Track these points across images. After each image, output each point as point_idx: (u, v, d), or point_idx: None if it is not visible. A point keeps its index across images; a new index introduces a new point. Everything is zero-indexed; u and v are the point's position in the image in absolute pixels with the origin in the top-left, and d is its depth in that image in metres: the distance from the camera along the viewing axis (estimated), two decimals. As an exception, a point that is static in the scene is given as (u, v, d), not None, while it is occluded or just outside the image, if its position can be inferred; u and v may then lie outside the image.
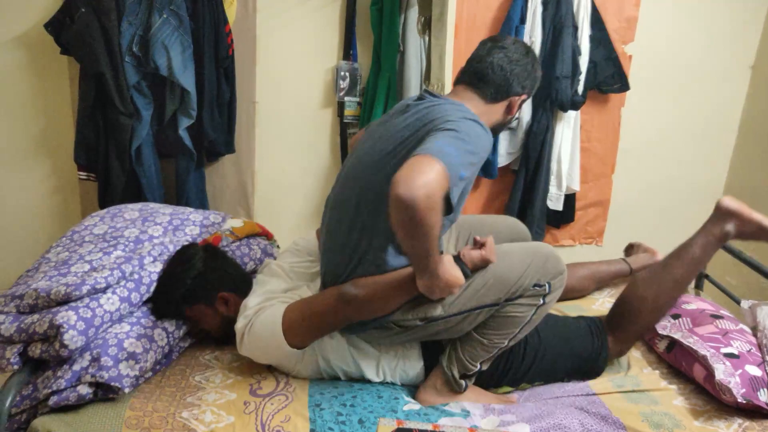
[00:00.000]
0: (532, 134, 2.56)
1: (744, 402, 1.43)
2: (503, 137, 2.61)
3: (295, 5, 2.45)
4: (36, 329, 1.37)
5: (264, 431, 1.33)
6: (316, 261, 1.72)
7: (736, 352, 1.56)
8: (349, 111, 2.58)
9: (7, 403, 1.31)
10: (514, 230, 1.85)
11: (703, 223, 1.79)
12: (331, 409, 1.41)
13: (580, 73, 2.49)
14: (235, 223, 1.96)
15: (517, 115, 1.61)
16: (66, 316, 1.35)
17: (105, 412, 1.34)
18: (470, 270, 1.44)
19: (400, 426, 1.09)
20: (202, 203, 2.47)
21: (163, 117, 2.32)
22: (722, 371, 1.49)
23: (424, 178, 1.15)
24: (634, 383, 1.62)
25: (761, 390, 1.45)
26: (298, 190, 2.69)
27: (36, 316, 1.40)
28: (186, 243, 1.72)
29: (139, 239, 1.75)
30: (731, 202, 1.73)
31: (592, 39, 2.52)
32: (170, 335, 1.56)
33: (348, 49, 2.51)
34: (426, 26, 2.45)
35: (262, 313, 1.47)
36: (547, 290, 1.45)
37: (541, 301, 1.46)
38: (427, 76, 2.52)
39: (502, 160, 2.64)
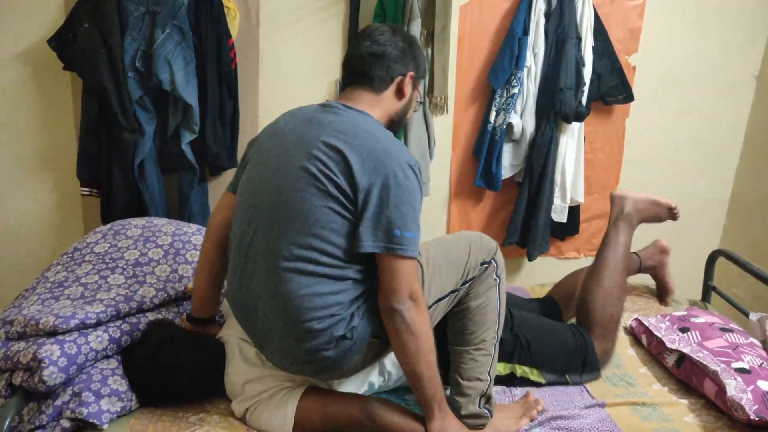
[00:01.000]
0: (536, 146, 2.55)
1: (756, 419, 1.41)
2: (507, 149, 2.60)
3: (299, 19, 2.45)
4: (20, 359, 1.34)
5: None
6: None
7: (747, 367, 1.53)
8: (352, 124, 2.57)
9: (6, 423, 1.29)
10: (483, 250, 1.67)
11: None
12: None
13: (584, 85, 2.49)
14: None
15: (419, 99, 1.55)
16: (50, 350, 1.32)
17: (107, 433, 1.32)
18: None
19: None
20: (205, 218, 2.45)
21: (166, 132, 2.31)
22: (734, 387, 1.47)
23: (404, 283, 1.27)
24: (644, 397, 1.59)
25: None
26: (302, 203, 2.67)
27: (23, 344, 1.37)
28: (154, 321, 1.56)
29: (138, 262, 1.74)
30: (618, 191, 2.00)
31: (596, 50, 2.51)
32: None
33: (351, 63, 2.50)
34: (429, 39, 2.45)
35: (269, 404, 1.39)
36: (495, 266, 1.52)
37: (497, 278, 1.52)
38: (430, 89, 2.51)
39: (506, 172, 2.63)
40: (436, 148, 2.56)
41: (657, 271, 2.15)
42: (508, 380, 1.68)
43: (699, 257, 2.63)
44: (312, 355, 1.31)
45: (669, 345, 1.71)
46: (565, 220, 2.68)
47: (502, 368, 1.66)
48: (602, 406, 1.55)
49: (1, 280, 2.54)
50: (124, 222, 1.94)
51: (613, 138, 2.77)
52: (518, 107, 2.53)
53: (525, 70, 2.48)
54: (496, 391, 1.64)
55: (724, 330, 1.74)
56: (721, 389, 1.50)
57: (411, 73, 1.45)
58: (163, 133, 2.32)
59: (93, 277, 1.67)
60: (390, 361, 1.55)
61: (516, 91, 2.48)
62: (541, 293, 2.21)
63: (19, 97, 2.37)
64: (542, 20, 2.45)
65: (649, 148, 2.83)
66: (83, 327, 1.41)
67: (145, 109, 2.26)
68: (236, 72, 2.37)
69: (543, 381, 1.67)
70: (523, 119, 2.54)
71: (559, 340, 1.71)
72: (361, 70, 1.43)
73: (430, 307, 1.42)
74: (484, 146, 2.56)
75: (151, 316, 1.57)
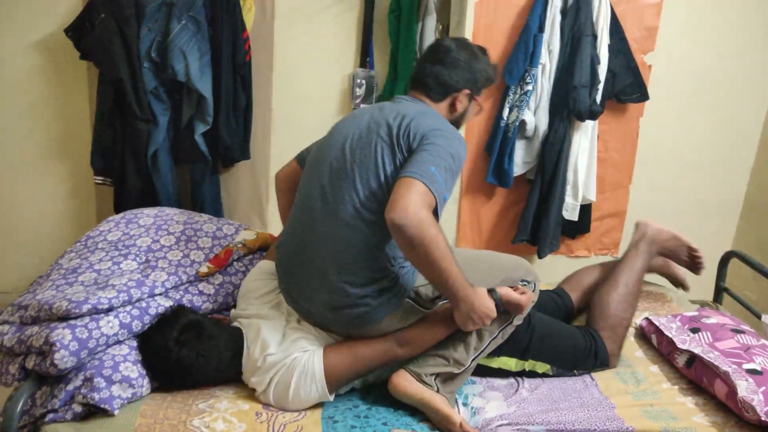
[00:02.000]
0: (549, 144, 2.54)
1: (767, 420, 1.40)
2: (519, 146, 2.58)
3: (313, 13, 2.46)
4: (33, 342, 1.36)
5: (276, 441, 1.32)
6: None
7: (759, 368, 1.52)
8: (365, 118, 2.57)
9: (20, 406, 1.31)
10: (527, 272, 1.73)
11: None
12: (344, 422, 1.39)
13: (599, 83, 2.47)
14: (248, 235, 1.95)
15: (479, 109, 1.69)
16: (61, 334, 1.34)
17: (116, 419, 1.34)
18: (501, 303, 1.48)
19: (415, 439, 1.07)
20: (216, 209, 2.47)
21: (180, 123, 2.33)
22: (745, 388, 1.46)
23: (409, 199, 1.28)
24: (654, 396, 1.59)
25: None
26: (313, 197, 2.68)
27: (36, 329, 1.39)
28: (172, 307, 1.57)
29: (150, 249, 1.75)
30: (644, 219, 2.07)
31: (612, 48, 2.49)
32: None
33: (365, 57, 2.50)
34: (444, 34, 2.45)
35: (295, 366, 1.42)
36: (533, 288, 1.63)
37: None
38: (443, 84, 2.50)
39: (518, 169, 2.61)
40: (448, 143, 2.56)
41: (664, 270, 2.13)
42: (517, 375, 1.69)
43: (711, 258, 2.60)
44: (356, 301, 1.44)
45: (680, 345, 1.70)
46: (576, 219, 2.67)
47: (513, 364, 1.67)
48: (612, 407, 1.54)
49: (16, 266, 2.57)
50: (136, 211, 1.96)
51: (627, 137, 2.75)
52: (532, 104, 2.52)
53: (539, 67, 2.47)
54: (505, 385, 1.64)
55: (736, 331, 1.72)
56: (732, 390, 1.49)
57: (466, 91, 1.60)
58: (176, 123, 2.33)
59: (106, 263, 1.68)
60: None
61: (530, 88, 2.46)
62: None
63: (35, 86, 2.40)
64: (558, 17, 2.44)
65: (663, 148, 2.80)
66: (95, 312, 1.42)
67: (159, 100, 2.27)
68: (250, 64, 2.38)
69: (550, 372, 1.70)
70: (536, 116, 2.53)
71: (572, 343, 1.73)
72: (422, 81, 1.61)
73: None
74: (496, 143, 2.55)
75: (161, 300, 1.58)
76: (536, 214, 2.63)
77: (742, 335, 1.70)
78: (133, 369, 1.40)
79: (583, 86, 2.42)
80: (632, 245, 2.00)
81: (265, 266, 1.73)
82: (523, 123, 2.51)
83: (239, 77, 2.36)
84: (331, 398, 1.46)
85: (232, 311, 1.66)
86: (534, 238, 2.67)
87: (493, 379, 1.68)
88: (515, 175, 2.60)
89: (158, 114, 2.27)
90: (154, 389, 1.46)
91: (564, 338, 1.74)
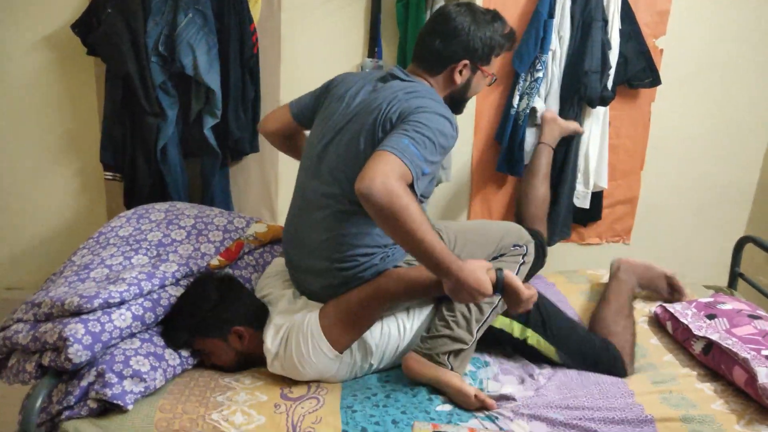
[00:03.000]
0: (560, 131, 2.52)
1: None
2: (530, 134, 2.56)
3: (320, 3, 2.43)
4: (47, 339, 1.37)
5: (295, 433, 1.32)
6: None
7: (778, 354, 1.51)
8: (374, 109, 2.55)
9: (38, 403, 1.31)
10: (518, 236, 1.75)
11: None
12: (363, 411, 1.39)
13: (610, 68, 2.44)
14: (259, 228, 1.95)
15: (490, 77, 1.60)
16: (74, 328, 1.35)
17: (135, 414, 1.34)
18: (502, 285, 1.39)
19: (436, 429, 1.07)
20: (226, 203, 2.46)
21: (189, 116, 2.32)
22: (765, 375, 1.44)
23: (377, 169, 1.23)
24: (672, 383, 1.58)
25: None
26: (323, 189, 2.67)
27: (49, 325, 1.40)
28: (203, 272, 1.69)
29: (161, 243, 1.75)
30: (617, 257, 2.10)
31: (623, 33, 2.46)
32: (183, 358, 1.54)
33: (373, 47, 2.48)
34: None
35: (296, 325, 1.46)
36: (525, 251, 1.67)
37: (522, 260, 1.67)
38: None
39: (529, 157, 2.59)
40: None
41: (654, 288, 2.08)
42: (521, 346, 1.67)
43: (724, 244, 2.59)
44: (348, 280, 1.49)
45: (696, 332, 1.69)
46: (587, 206, 2.65)
47: (516, 329, 1.66)
48: (631, 394, 1.53)
49: (28, 263, 2.57)
50: (147, 206, 1.96)
51: (639, 123, 2.72)
52: (542, 91, 2.50)
53: (550, 53, 2.44)
54: (520, 370, 1.64)
55: (753, 317, 1.71)
56: (752, 377, 1.47)
57: (465, 62, 1.52)
58: (185, 117, 2.32)
59: (117, 258, 1.69)
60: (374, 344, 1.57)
61: (540, 74, 2.44)
62: (560, 281, 2.19)
63: (43, 82, 2.39)
64: (568, 2, 2.40)
65: (675, 133, 2.77)
66: (107, 306, 1.43)
67: (168, 94, 2.26)
68: (258, 57, 2.36)
69: (558, 360, 1.66)
70: (547, 103, 2.51)
71: (581, 334, 1.71)
72: (419, 54, 1.56)
73: None
74: (506, 131, 2.53)
75: (172, 291, 1.59)
76: (548, 202, 2.61)
77: (759, 321, 1.69)
78: (144, 362, 1.41)
79: (594, 72, 2.40)
80: (611, 277, 2.02)
81: (282, 262, 1.75)
82: (533, 110, 2.49)
83: (247, 70, 2.34)
84: (335, 354, 1.45)
85: None
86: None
87: (507, 362, 1.68)
88: (526, 163, 2.58)
89: (167, 108, 2.26)
90: (170, 382, 1.46)
91: (572, 326, 1.71)
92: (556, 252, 2.79)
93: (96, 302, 1.41)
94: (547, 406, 1.47)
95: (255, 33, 2.32)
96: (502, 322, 1.66)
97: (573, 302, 2.03)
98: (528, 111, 2.48)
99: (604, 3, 2.40)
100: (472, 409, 1.46)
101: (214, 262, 1.76)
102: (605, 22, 2.41)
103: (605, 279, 2.12)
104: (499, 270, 1.39)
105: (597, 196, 2.69)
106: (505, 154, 2.56)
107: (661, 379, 1.61)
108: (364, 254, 1.49)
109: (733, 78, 2.74)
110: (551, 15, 2.40)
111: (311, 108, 1.70)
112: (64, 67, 2.38)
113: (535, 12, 2.41)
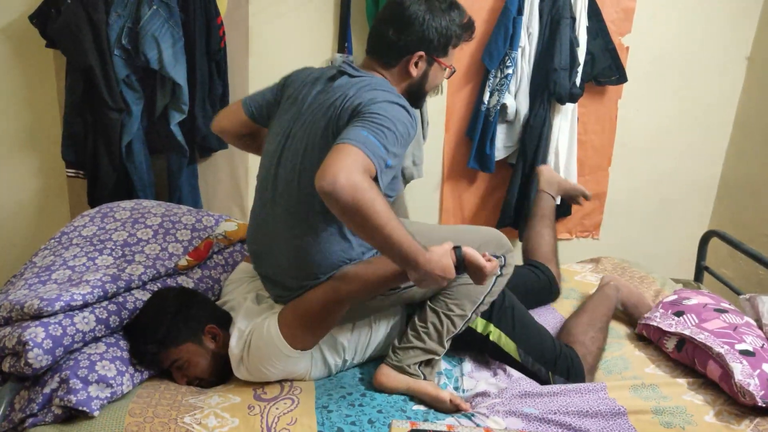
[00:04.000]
0: (530, 127, 2.54)
1: (764, 405, 1.41)
2: (500, 130, 2.58)
3: (289, -4, 2.40)
4: (6, 343, 1.31)
5: (270, 435, 1.29)
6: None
7: (751, 349, 1.54)
8: (344, 105, 2.53)
9: (1, 410, 1.26)
10: (497, 245, 1.65)
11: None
12: (339, 411, 1.37)
13: (578, 65, 2.47)
14: (229, 226, 1.91)
15: (447, 69, 1.51)
16: (34, 332, 1.29)
17: (104, 418, 1.29)
18: (463, 263, 1.34)
19: (414, 427, 1.06)
20: (194, 200, 2.41)
21: (154, 112, 2.25)
22: (740, 371, 1.46)
23: (340, 164, 1.15)
24: (643, 378, 1.60)
25: None
26: (293, 185, 2.63)
27: (8, 329, 1.34)
28: (160, 288, 1.63)
29: (127, 243, 1.70)
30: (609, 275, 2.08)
31: (590, 30, 2.50)
32: None
33: (343, 42, 2.46)
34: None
35: (257, 329, 1.43)
36: (503, 262, 1.56)
37: (499, 272, 1.55)
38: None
39: (500, 153, 2.61)
40: (429, 129, 2.53)
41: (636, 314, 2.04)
42: (483, 344, 1.65)
43: (688, 238, 2.65)
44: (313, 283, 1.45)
45: (667, 329, 1.70)
46: (558, 202, 2.67)
47: (480, 325, 1.62)
48: (603, 388, 1.54)
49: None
50: (112, 205, 1.90)
51: (606, 119, 2.77)
52: (512, 88, 2.51)
53: (519, 50, 2.46)
54: (494, 366, 1.64)
55: (719, 311, 1.74)
56: (726, 372, 1.49)
57: (420, 53, 1.44)
58: (150, 113, 2.26)
59: (81, 259, 1.63)
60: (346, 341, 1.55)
61: (510, 71, 2.45)
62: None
63: (-1, 75, 2.30)
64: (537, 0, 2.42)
65: (641, 129, 2.83)
66: (69, 309, 1.37)
67: (132, 89, 2.19)
68: (225, 51, 2.32)
69: (519, 359, 1.63)
70: (517, 100, 2.52)
71: (541, 332, 1.69)
72: (373, 45, 1.48)
73: None
74: (477, 127, 2.54)
75: (138, 294, 1.54)
76: (519, 198, 2.63)
77: (726, 314, 1.72)
78: (110, 367, 1.35)
79: (563, 69, 2.42)
80: (597, 289, 1.98)
81: (246, 267, 1.70)
82: (504, 107, 2.50)
83: (214, 64, 2.29)
84: (297, 353, 1.42)
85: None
86: (517, 222, 2.67)
87: (480, 357, 1.68)
88: (497, 159, 2.59)
89: (131, 103, 2.19)
90: (139, 386, 1.42)
91: (534, 325, 1.69)
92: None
93: (57, 305, 1.35)
94: (521, 401, 1.48)
95: (222, 26, 2.27)
96: None
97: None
98: (498, 107, 2.49)
99: (572, 0, 2.42)
100: (449, 413, 1.45)
101: (183, 262, 1.72)
102: (573, 19, 2.44)
103: (577, 275, 2.14)
104: (457, 248, 1.33)
105: (566, 192, 2.72)
106: (476, 150, 2.57)
107: (633, 374, 1.63)
108: (327, 272, 1.43)
109: (696, 75, 2.80)
110: (520, 12, 2.42)
111: (267, 106, 1.60)
112: (23, 60, 2.29)
113: (504, 9, 2.43)
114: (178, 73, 2.17)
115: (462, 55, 2.56)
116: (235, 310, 1.58)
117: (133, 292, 1.54)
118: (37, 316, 1.34)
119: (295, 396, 1.41)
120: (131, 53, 2.14)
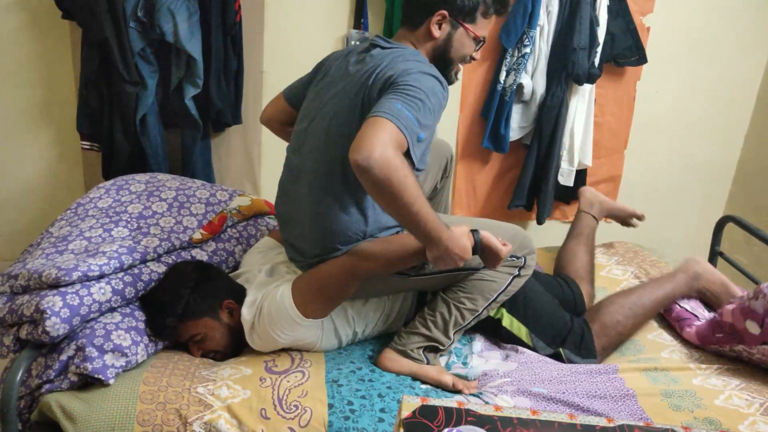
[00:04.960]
0: (546, 108, 2.51)
1: None
2: (516, 111, 2.55)
3: (305, -30, 2.38)
4: (24, 311, 1.33)
5: (281, 406, 1.31)
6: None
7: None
8: (359, 82, 2.51)
9: (18, 376, 1.28)
10: (520, 246, 1.63)
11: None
12: (349, 385, 1.39)
13: (598, 45, 2.43)
14: (243, 201, 1.92)
15: (478, 41, 1.48)
16: (52, 301, 1.31)
17: (119, 386, 1.32)
18: (480, 246, 1.37)
19: (425, 403, 1.06)
20: (207, 175, 2.42)
21: (169, 86, 2.25)
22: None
23: (375, 139, 1.16)
24: (655, 362, 1.60)
25: None
26: (306, 162, 2.63)
27: (26, 297, 1.36)
28: (177, 262, 1.64)
29: (142, 215, 1.72)
30: (696, 257, 1.90)
31: (611, 9, 2.45)
32: None
33: (359, 18, 2.43)
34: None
35: (269, 295, 1.44)
36: (522, 263, 1.54)
37: (517, 272, 1.54)
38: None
39: (514, 134, 2.59)
40: (443, 107, 2.51)
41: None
42: (494, 328, 1.66)
43: (704, 222, 2.62)
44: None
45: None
46: (572, 184, 2.66)
47: (493, 311, 1.63)
48: (615, 370, 1.55)
49: (3, 234, 2.51)
50: (127, 177, 1.91)
51: (624, 101, 2.73)
52: (529, 67, 2.48)
53: (537, 29, 2.42)
54: (506, 347, 1.65)
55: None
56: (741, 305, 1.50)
57: (441, 12, 1.42)
58: (165, 87, 2.26)
59: (97, 230, 1.64)
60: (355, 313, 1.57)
61: (528, 50, 2.42)
62: (545, 258, 2.20)
63: (15, 47, 2.30)
64: (557, -23, 2.38)
65: (659, 112, 2.79)
66: (86, 279, 1.39)
67: (147, 62, 2.19)
68: (241, 25, 2.30)
69: (530, 343, 1.65)
70: (533, 80, 2.49)
71: (556, 312, 1.69)
72: (403, 10, 1.48)
73: (446, 272, 1.47)
74: (492, 107, 2.51)
75: (154, 267, 1.55)
76: (533, 179, 2.61)
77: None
78: (125, 337, 1.38)
79: (582, 49, 2.38)
80: (669, 273, 1.87)
81: (267, 241, 1.72)
82: (520, 87, 2.47)
83: (229, 38, 2.28)
84: (308, 322, 1.43)
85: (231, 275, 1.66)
86: (529, 203, 2.65)
87: (493, 337, 1.69)
88: (511, 140, 2.57)
89: (146, 76, 2.19)
90: (154, 357, 1.44)
91: (546, 305, 1.69)
92: (540, 229, 2.81)
93: (75, 275, 1.37)
94: (530, 381, 1.48)
95: (237, 0, 2.25)
96: None
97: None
98: (515, 87, 2.46)
99: (593, -22, 2.38)
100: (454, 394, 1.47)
101: (197, 235, 1.73)
102: (594, -2, 2.39)
103: (602, 270, 2.11)
104: (475, 232, 1.36)
105: (580, 174, 2.71)
106: (490, 130, 2.55)
107: (646, 357, 1.63)
108: (344, 244, 1.45)
109: (718, 57, 2.75)
110: (540, -11, 2.37)
111: (303, 88, 1.62)
112: (38, 31, 2.29)
113: (524, -14, 2.38)
114: (194, 47, 2.16)
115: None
116: (250, 282, 1.60)
117: (148, 264, 1.56)
118: (55, 285, 1.36)
119: (306, 369, 1.43)
120: (146, 26, 2.13)
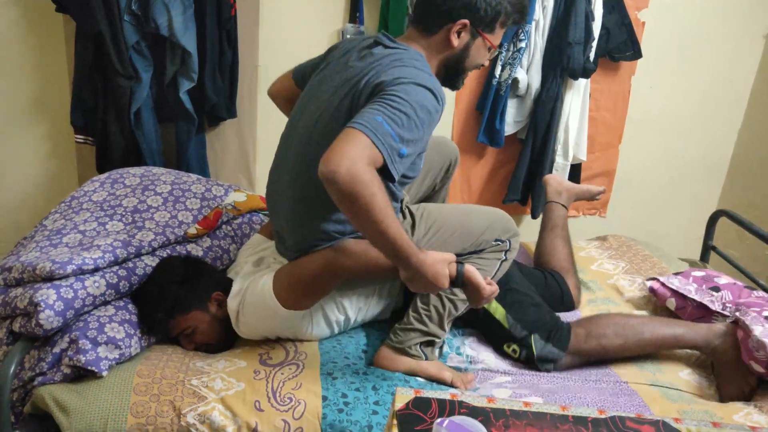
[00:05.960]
0: (541, 102, 2.51)
1: None
2: (511, 105, 2.56)
3: (300, -36, 2.37)
4: (17, 304, 1.33)
5: (275, 398, 1.31)
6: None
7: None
8: (354, 76, 2.51)
9: (12, 369, 1.28)
10: (503, 229, 1.60)
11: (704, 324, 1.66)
12: (343, 378, 1.39)
13: (593, 40, 2.43)
14: (238, 197, 1.91)
15: (492, 48, 1.43)
16: (46, 294, 1.31)
17: (113, 378, 1.32)
18: (462, 280, 1.31)
19: (418, 395, 1.07)
20: (202, 169, 2.41)
21: (163, 79, 2.25)
22: (760, 332, 1.47)
23: (345, 153, 1.11)
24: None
25: None
26: (301, 157, 2.63)
27: (20, 290, 1.36)
28: (167, 256, 1.63)
29: (137, 209, 1.71)
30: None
31: (606, 4, 2.45)
32: None
33: (354, 12, 2.43)
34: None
35: (252, 284, 1.45)
36: (507, 246, 1.54)
37: (504, 257, 1.54)
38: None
39: (509, 128, 2.59)
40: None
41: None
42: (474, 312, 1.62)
43: (697, 217, 2.63)
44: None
45: (719, 309, 1.66)
46: (566, 179, 2.67)
47: None
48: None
49: (-3, 228, 2.51)
50: (122, 171, 1.91)
51: (618, 96, 2.73)
52: (524, 62, 2.48)
53: (533, 23, 2.42)
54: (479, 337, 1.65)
55: (750, 288, 1.74)
56: (746, 334, 1.49)
57: (463, 22, 1.36)
58: (160, 80, 2.25)
59: (91, 224, 1.65)
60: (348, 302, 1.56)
61: (523, 45, 2.42)
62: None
63: (8, 39, 2.29)
64: (552, -29, 2.38)
65: (654, 107, 2.80)
66: (80, 272, 1.39)
67: (141, 55, 2.18)
68: (236, 19, 2.30)
69: (506, 324, 1.61)
70: (529, 74, 2.50)
71: (537, 301, 1.68)
72: (417, 9, 1.42)
73: None
74: (488, 101, 2.51)
75: (148, 261, 1.55)
76: (528, 174, 2.62)
77: (755, 291, 1.72)
78: (119, 329, 1.38)
79: (577, 43, 2.39)
80: (694, 323, 1.67)
81: (258, 238, 1.73)
82: (515, 81, 2.48)
83: (224, 32, 2.27)
84: (287, 313, 1.42)
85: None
86: (524, 198, 2.66)
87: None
88: (506, 134, 2.58)
89: (141, 70, 2.18)
90: (147, 349, 1.44)
91: (529, 295, 1.67)
92: (534, 223, 2.82)
93: (69, 268, 1.37)
94: (530, 388, 1.49)
95: (233, -7, 2.25)
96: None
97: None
98: (510, 81, 2.46)
99: (589, -27, 2.38)
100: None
101: (192, 230, 1.73)
102: (589, -8, 2.39)
103: (593, 264, 2.12)
104: (460, 264, 1.31)
105: (575, 169, 2.71)
106: (485, 124, 2.56)
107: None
108: (323, 240, 1.43)
109: (712, 52, 2.76)
110: (535, -16, 2.37)
111: (310, 71, 1.56)
112: (31, 24, 2.28)
113: (519, -20, 2.38)
114: (188, 41, 2.15)
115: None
116: (237, 274, 1.60)
117: (143, 258, 1.56)
118: (49, 278, 1.36)
119: (301, 361, 1.43)
120: (141, 19, 2.12)
